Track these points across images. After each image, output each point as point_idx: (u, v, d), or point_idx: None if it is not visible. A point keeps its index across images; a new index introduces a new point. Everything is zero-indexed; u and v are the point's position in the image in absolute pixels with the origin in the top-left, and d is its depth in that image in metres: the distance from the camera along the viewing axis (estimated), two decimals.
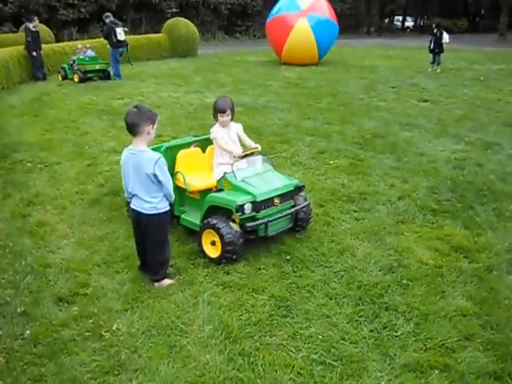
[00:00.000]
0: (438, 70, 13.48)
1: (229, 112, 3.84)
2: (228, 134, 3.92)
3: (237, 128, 4.00)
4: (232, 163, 3.62)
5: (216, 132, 3.86)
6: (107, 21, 12.16)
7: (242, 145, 4.00)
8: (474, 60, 16.70)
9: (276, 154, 5.84)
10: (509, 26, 31.61)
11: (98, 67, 12.14)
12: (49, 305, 2.95)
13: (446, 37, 13.52)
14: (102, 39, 13.37)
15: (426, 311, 2.89)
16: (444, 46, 13.59)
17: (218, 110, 3.84)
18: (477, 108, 8.70)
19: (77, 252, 3.62)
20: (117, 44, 11.96)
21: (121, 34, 11.89)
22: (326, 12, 14.68)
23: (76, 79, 11.81)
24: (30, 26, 12.01)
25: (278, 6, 15.27)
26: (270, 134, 6.83)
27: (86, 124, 7.59)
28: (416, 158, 5.81)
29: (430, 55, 13.87)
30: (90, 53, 12.84)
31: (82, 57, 12.33)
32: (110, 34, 11.92)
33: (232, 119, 3.95)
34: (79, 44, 13.80)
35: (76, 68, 11.91)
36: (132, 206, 3.11)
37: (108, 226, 4.04)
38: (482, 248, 3.66)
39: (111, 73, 12.42)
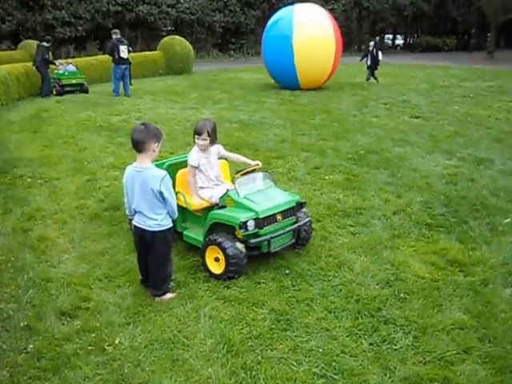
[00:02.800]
0: (372, 81, 14.96)
1: (205, 136, 3.67)
2: (208, 159, 3.82)
3: (217, 150, 3.88)
4: (212, 187, 3.70)
5: (193, 160, 3.72)
6: (114, 37, 12.46)
7: (236, 162, 4.02)
8: (463, 77, 17.10)
9: (272, 170, 5.91)
10: (496, 44, 32.52)
11: (74, 81, 12.87)
12: (51, 319, 2.95)
13: (380, 55, 15.17)
14: (98, 57, 13.65)
15: (424, 324, 2.92)
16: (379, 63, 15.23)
17: (194, 132, 3.72)
18: (468, 124, 8.89)
19: (78, 266, 3.64)
20: (119, 61, 12.24)
21: (124, 51, 12.20)
22: (323, 81, 13.83)
23: (54, 92, 12.64)
24: (45, 44, 12.52)
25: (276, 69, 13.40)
26: (266, 149, 6.92)
27: (84, 140, 7.64)
28: (409, 173, 5.90)
29: (368, 71, 15.33)
30: (71, 67, 13.46)
31: (61, 71, 12.94)
32: (113, 51, 12.20)
33: (212, 143, 3.78)
34: (60, 60, 14.44)
35: (55, 82, 12.65)
36: (135, 223, 3.11)
37: (108, 241, 4.06)
38: (476, 262, 3.72)
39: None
